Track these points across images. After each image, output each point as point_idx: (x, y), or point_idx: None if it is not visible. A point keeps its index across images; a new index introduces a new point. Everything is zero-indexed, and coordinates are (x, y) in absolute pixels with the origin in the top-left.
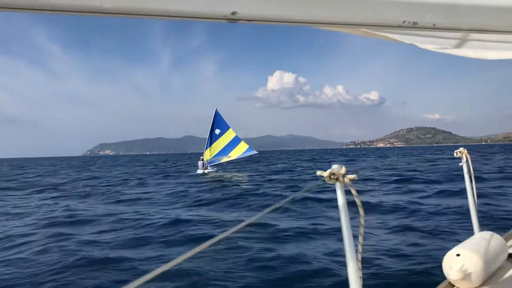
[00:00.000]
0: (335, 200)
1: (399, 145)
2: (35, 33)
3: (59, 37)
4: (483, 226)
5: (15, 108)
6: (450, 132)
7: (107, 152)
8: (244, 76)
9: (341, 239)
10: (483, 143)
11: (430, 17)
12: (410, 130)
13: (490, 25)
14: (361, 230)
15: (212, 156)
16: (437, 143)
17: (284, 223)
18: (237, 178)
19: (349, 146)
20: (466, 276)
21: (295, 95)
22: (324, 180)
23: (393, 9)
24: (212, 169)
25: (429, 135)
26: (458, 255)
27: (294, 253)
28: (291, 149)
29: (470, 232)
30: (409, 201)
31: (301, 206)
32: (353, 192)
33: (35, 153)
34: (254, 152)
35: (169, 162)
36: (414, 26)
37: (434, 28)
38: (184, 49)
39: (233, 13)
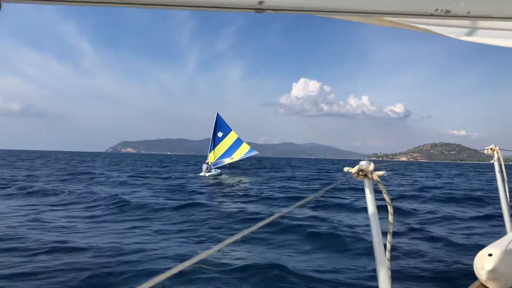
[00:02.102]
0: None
1: (422, 160)
2: (65, 30)
3: (89, 34)
4: None
5: (44, 102)
6: (475, 150)
7: (128, 150)
8: (268, 82)
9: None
10: (510, 163)
11: (464, 5)
12: (434, 145)
13: None
14: (390, 227)
15: (216, 158)
16: (461, 160)
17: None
18: (238, 181)
19: (371, 158)
20: (499, 277)
21: (319, 104)
22: (352, 176)
23: None
24: (215, 171)
25: (453, 152)
26: (490, 255)
27: (322, 248)
28: (312, 157)
29: (502, 232)
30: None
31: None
32: (382, 188)
33: (59, 146)
34: (255, 152)
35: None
36: (447, 14)
37: (468, 16)
38: (210, 52)
39: (260, 3)
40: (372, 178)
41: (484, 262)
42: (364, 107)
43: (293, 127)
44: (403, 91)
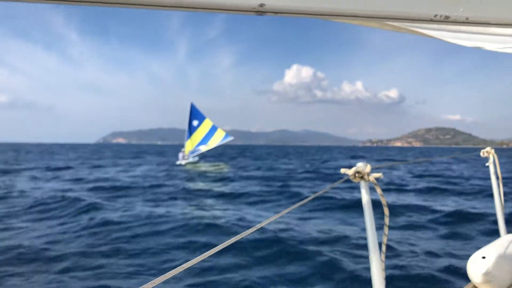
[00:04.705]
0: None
1: (417, 145)
2: (52, 19)
3: (76, 23)
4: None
5: (32, 93)
6: (470, 134)
7: (119, 140)
8: (261, 69)
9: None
10: (504, 146)
11: (462, 11)
12: (429, 130)
13: None
14: (386, 230)
15: (194, 146)
16: (456, 145)
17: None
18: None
19: (365, 144)
20: (492, 279)
21: (313, 90)
22: (348, 178)
23: (425, 1)
24: (193, 159)
25: (448, 136)
26: (483, 257)
27: (316, 253)
28: (306, 144)
29: (496, 235)
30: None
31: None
32: (378, 191)
33: (49, 139)
34: (231, 138)
35: None
36: (446, 20)
37: (466, 22)
38: (201, 39)
39: (261, 5)
40: (369, 180)
41: (477, 265)
42: (358, 93)
43: (287, 115)
44: (397, 76)
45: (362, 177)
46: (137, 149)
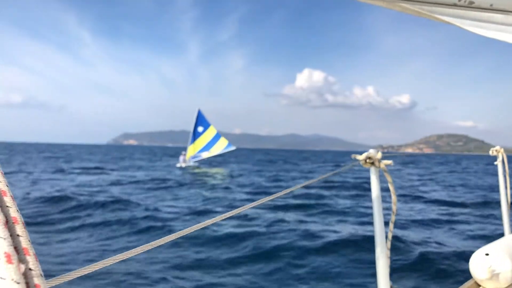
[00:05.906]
0: None
1: (428, 152)
2: (66, 20)
3: (90, 24)
4: None
5: (45, 93)
6: (482, 141)
7: (130, 142)
8: (272, 72)
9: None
10: None
11: None
12: (440, 136)
13: None
14: (393, 217)
15: (196, 152)
16: (468, 151)
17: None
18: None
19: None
20: (494, 276)
21: (324, 94)
22: (359, 164)
23: None
24: (193, 164)
25: (460, 143)
26: (487, 254)
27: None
28: (316, 149)
29: (500, 233)
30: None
31: None
32: (388, 178)
33: (60, 139)
34: (233, 147)
35: None
36: (470, 5)
37: (490, 9)
38: (212, 42)
39: None
40: (379, 167)
41: (480, 262)
42: (370, 98)
43: (297, 118)
44: (409, 81)
45: (372, 163)
46: (148, 150)
